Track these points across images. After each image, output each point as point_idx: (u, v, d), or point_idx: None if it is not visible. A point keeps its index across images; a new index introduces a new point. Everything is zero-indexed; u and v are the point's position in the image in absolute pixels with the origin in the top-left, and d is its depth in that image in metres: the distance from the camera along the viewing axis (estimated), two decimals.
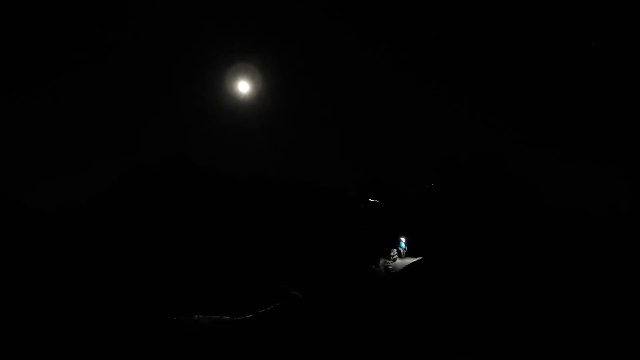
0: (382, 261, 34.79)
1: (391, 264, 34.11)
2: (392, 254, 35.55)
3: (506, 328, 19.10)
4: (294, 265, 56.37)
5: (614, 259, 28.99)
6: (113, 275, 46.28)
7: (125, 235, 62.88)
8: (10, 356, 16.85)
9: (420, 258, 31.37)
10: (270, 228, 69.30)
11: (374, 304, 24.82)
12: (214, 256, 62.45)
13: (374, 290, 28.59)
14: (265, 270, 55.83)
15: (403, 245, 35.97)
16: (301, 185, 77.45)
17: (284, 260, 59.20)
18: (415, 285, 28.91)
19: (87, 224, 64.97)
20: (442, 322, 19.94)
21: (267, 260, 60.60)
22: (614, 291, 25.62)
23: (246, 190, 79.20)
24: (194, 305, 29.13)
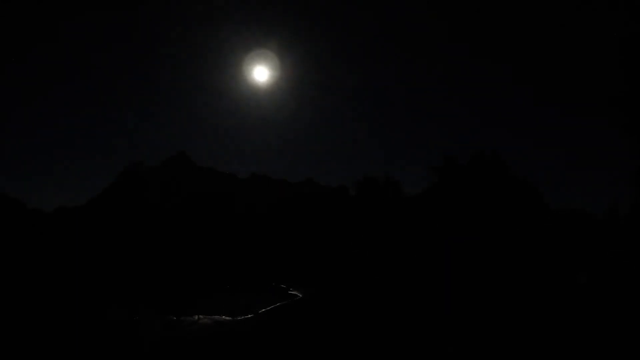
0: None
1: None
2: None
3: (507, 322, 19.13)
4: (294, 265, 56.48)
5: (613, 259, 28.91)
6: (114, 274, 46.40)
7: (126, 234, 62.99)
8: (13, 350, 16.97)
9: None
10: (270, 227, 69.36)
11: (373, 304, 24.83)
12: (214, 256, 62.60)
13: (373, 291, 28.60)
14: (266, 270, 55.98)
15: None
16: (301, 184, 77.46)
17: (284, 260, 59.31)
18: (415, 284, 28.89)
19: (89, 223, 65.06)
20: (441, 323, 19.97)
21: (267, 260, 60.74)
22: (613, 289, 25.58)
23: (246, 189, 79.08)
24: (194, 305, 29.20)
